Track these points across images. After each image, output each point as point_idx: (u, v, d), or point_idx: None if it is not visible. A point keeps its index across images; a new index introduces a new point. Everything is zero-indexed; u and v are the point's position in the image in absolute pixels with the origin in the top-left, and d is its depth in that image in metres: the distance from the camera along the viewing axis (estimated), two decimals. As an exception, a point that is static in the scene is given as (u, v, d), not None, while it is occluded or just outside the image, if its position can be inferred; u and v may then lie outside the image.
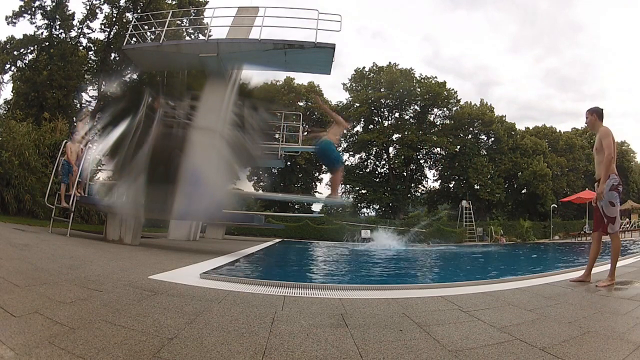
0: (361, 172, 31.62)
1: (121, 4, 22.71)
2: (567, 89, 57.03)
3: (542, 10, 54.57)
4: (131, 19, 19.16)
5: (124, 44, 9.33)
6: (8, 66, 21.39)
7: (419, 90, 30.69)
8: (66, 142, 8.19)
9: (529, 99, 51.81)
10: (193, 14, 22.24)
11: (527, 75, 56.63)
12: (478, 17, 59.13)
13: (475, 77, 53.84)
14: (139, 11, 21.15)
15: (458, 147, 29.96)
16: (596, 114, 4.10)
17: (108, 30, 22.76)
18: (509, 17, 60.70)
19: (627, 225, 20.41)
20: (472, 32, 62.06)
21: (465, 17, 59.63)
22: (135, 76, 16.95)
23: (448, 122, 31.30)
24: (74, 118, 18.96)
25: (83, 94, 23.30)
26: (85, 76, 22.76)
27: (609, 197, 3.87)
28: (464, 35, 61.59)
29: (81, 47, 23.16)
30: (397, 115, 31.72)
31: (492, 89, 54.10)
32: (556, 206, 26.08)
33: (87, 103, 23.50)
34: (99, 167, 9.43)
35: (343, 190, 31.02)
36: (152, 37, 11.72)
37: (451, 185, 31.28)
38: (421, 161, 32.52)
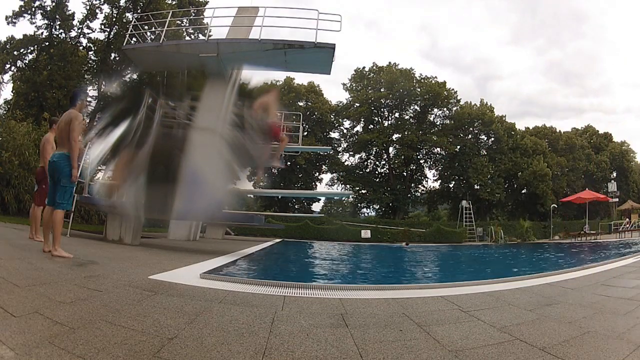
0: (361, 172, 31.63)
1: (121, 4, 22.69)
2: (570, 83, 56.47)
3: (543, -2, 53.12)
4: (131, 19, 19.15)
5: (124, 44, 9.33)
6: (8, 66, 21.38)
7: (419, 90, 30.69)
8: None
9: (530, 93, 51.37)
10: (193, 14, 22.23)
11: (529, 69, 56.03)
12: (477, 4, 58.08)
13: (474, 70, 53.44)
14: (139, 11, 21.14)
15: (458, 147, 29.97)
16: None
17: (108, 30, 22.74)
18: (509, 6, 59.67)
19: (627, 226, 20.31)
20: (471, 21, 61.28)
21: (464, 5, 58.54)
22: (135, 76, 16.94)
23: (448, 122, 31.30)
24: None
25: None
26: (85, 76, 22.74)
27: None
28: (463, 24, 60.48)
29: (81, 47, 23.14)
30: (397, 115, 31.72)
31: (492, 83, 53.75)
32: (556, 206, 26.07)
33: (88, 103, 23.46)
34: (99, 167, 9.43)
35: (343, 189, 31.09)
36: (152, 37, 11.72)
37: (451, 185, 31.28)
38: (421, 161, 32.53)
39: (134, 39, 9.44)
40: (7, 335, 1.69)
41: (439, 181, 32.30)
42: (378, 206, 31.00)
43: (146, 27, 10.95)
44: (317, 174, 32.21)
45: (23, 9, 20.90)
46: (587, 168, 30.57)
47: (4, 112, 20.97)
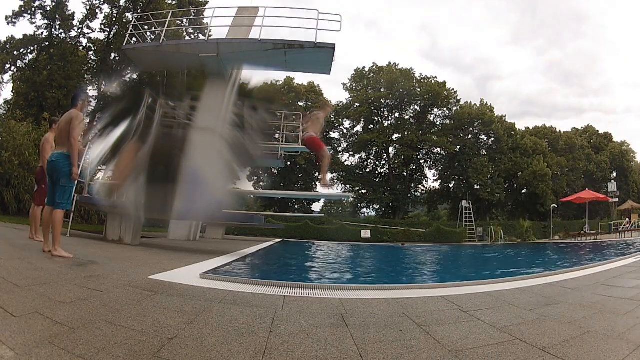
0: (361, 172, 31.61)
1: (121, 4, 22.70)
2: (570, 83, 56.46)
3: (543, -2, 53.02)
4: (131, 19, 19.15)
5: (124, 44, 9.33)
6: (8, 66, 21.38)
7: (419, 90, 30.68)
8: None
9: (530, 93, 51.37)
10: (193, 14, 22.23)
11: (529, 69, 56.05)
12: (477, 4, 58.09)
13: (474, 70, 53.46)
14: (139, 11, 21.14)
15: (458, 147, 29.96)
16: None
17: (108, 30, 22.75)
18: (509, 6, 59.57)
19: (627, 226, 20.29)
20: (471, 21, 61.25)
21: (464, 5, 58.55)
22: (135, 76, 16.94)
23: (448, 122, 31.30)
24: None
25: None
26: (85, 76, 22.74)
27: None
28: (463, 24, 60.53)
29: (81, 47, 23.14)
30: (397, 115, 31.71)
31: (492, 83, 53.74)
32: (556, 206, 26.05)
33: (89, 103, 23.42)
34: (99, 167, 9.43)
35: (343, 189, 31.07)
36: (152, 37, 11.72)
37: (451, 185, 31.27)
38: (421, 161, 32.52)
39: (134, 39, 9.45)
40: (7, 335, 1.69)
41: (439, 181, 32.31)
42: (378, 206, 30.99)
43: (146, 27, 10.95)
44: (317, 173, 32.20)
45: (23, 9, 20.90)
46: (587, 168, 30.56)
47: (4, 112, 20.98)
